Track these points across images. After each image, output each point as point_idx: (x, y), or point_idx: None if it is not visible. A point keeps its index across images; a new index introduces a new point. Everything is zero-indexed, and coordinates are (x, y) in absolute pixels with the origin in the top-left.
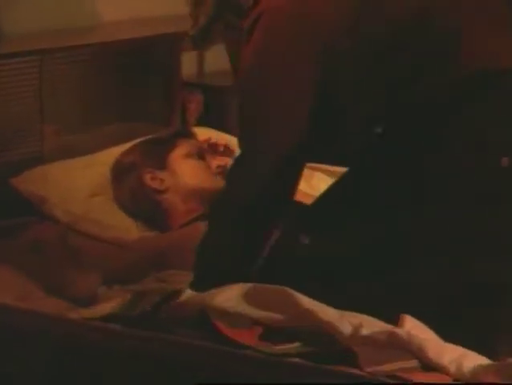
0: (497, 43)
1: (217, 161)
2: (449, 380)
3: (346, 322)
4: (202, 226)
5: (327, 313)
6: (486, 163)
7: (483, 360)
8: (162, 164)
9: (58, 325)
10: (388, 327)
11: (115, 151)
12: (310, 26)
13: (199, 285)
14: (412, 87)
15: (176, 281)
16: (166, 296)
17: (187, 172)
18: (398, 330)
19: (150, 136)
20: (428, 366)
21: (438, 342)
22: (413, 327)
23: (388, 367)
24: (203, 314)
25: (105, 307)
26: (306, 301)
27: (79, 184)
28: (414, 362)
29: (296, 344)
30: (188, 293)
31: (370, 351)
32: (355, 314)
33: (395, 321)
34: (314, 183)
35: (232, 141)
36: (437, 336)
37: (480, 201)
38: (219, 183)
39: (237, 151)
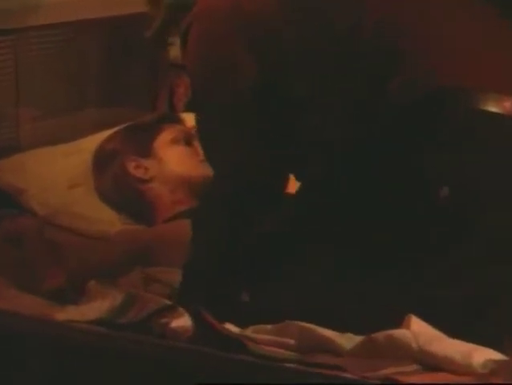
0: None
1: None
2: (452, 380)
3: (347, 337)
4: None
5: (326, 330)
6: (423, 193)
7: (496, 355)
8: (147, 151)
9: (48, 327)
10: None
11: (98, 138)
12: (242, 25)
13: (187, 296)
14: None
15: (164, 279)
16: (159, 309)
17: (173, 159)
18: (395, 332)
19: (134, 122)
20: (432, 366)
21: (445, 339)
22: (420, 328)
23: (385, 372)
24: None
25: (93, 309)
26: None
27: (58, 173)
28: (414, 367)
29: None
30: (186, 320)
31: (366, 360)
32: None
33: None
34: None
35: None
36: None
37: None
38: (208, 170)
39: None
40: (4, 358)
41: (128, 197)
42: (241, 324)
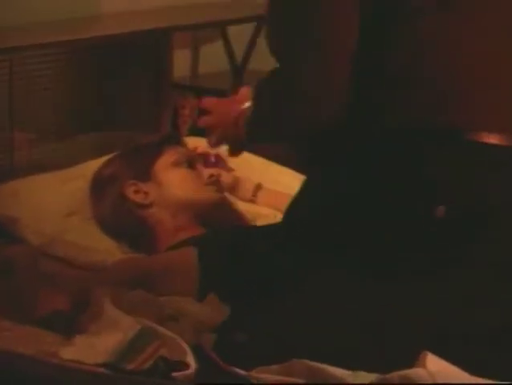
0: None
1: (209, 170)
2: None
3: (360, 376)
4: (195, 252)
5: (336, 369)
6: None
7: None
8: (146, 174)
9: (48, 367)
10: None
11: (96, 164)
12: None
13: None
14: None
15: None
16: (172, 365)
17: (175, 183)
18: (410, 372)
19: (133, 144)
20: None
21: (465, 377)
22: (436, 365)
23: None
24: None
25: (102, 348)
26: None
27: (54, 201)
28: None
29: None
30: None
31: None
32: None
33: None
34: (273, 176)
35: (224, 151)
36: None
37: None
38: (212, 194)
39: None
40: None
41: (128, 224)
42: (243, 366)
